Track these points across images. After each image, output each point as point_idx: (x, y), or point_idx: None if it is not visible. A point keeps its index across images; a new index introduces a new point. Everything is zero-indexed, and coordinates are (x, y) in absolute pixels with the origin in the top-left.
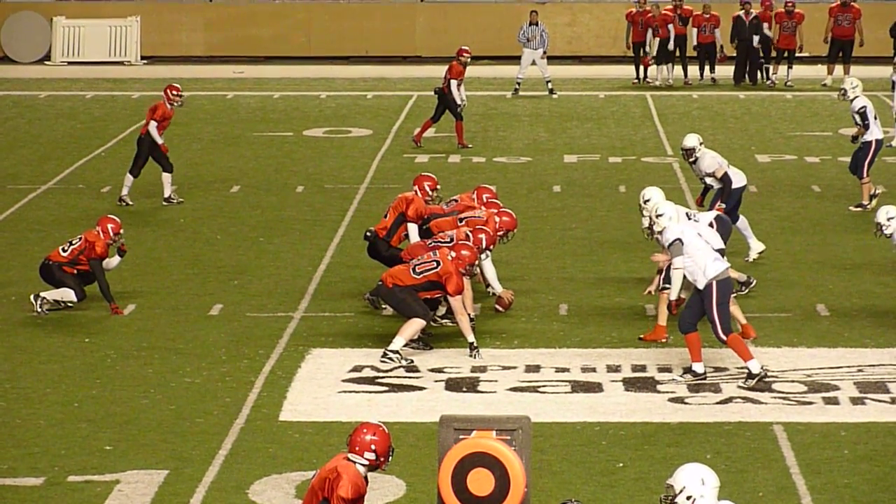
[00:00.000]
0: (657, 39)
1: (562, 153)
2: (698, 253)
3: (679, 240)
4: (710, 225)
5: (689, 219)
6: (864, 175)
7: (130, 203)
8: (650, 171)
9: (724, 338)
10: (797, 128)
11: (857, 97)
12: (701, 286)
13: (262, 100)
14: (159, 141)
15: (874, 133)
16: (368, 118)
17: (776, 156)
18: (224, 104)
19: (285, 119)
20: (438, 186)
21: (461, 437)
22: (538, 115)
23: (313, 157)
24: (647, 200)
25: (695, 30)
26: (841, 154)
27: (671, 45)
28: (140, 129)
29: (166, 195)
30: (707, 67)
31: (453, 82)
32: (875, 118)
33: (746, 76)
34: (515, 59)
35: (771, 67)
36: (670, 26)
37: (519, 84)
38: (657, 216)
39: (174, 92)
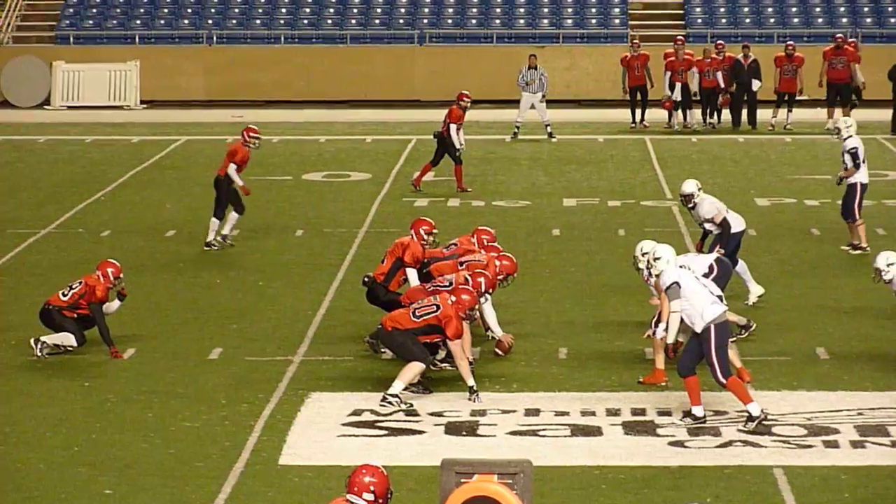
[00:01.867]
0: (678, 84)
1: (561, 197)
2: (696, 296)
3: (676, 283)
4: (710, 268)
5: (682, 268)
6: (857, 217)
7: (216, 245)
8: (649, 215)
9: (723, 381)
10: (797, 171)
11: (850, 136)
12: (699, 330)
13: (261, 144)
14: (240, 183)
15: (860, 176)
16: (368, 162)
17: (776, 199)
18: (223, 148)
19: (284, 163)
20: (435, 231)
21: (463, 480)
22: (537, 159)
23: (313, 201)
24: (645, 253)
25: (697, 74)
26: (841, 197)
27: (694, 88)
28: (218, 171)
29: (225, 232)
30: (709, 112)
31: (453, 126)
32: (864, 161)
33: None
34: (514, 103)
35: (771, 111)
36: (694, 70)
37: (518, 128)
38: (655, 259)
39: (251, 134)
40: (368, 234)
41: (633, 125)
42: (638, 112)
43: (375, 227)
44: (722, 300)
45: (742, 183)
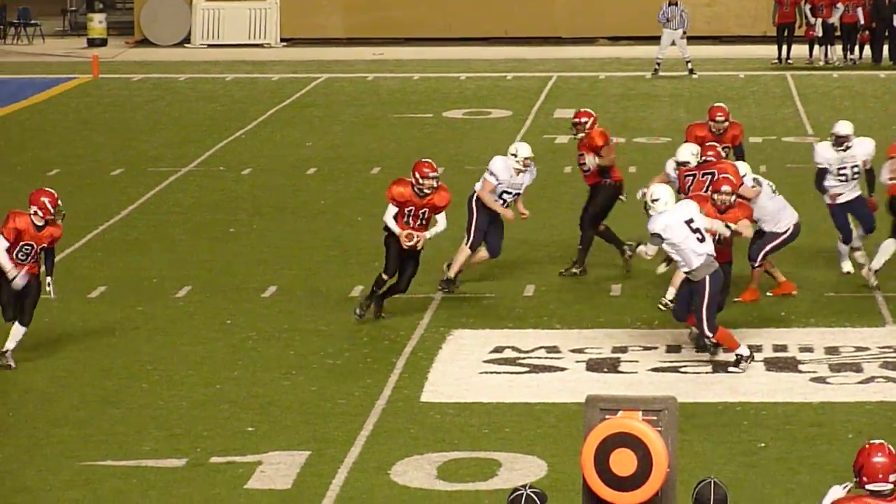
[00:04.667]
0: (819, 20)
1: None
2: (686, 243)
3: (659, 235)
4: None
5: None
6: None
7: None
8: (790, 151)
9: (709, 335)
10: None
11: None
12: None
13: (401, 81)
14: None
15: None
16: (508, 99)
17: None
18: (364, 86)
19: (425, 101)
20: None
21: (607, 416)
22: (678, 96)
23: (454, 138)
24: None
25: (840, 8)
26: None
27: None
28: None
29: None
30: (849, 48)
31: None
32: None
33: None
34: (655, 40)
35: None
36: (838, 5)
37: (659, 64)
38: (652, 200)
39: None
40: None
41: (778, 61)
42: (784, 49)
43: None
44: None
45: (883, 119)
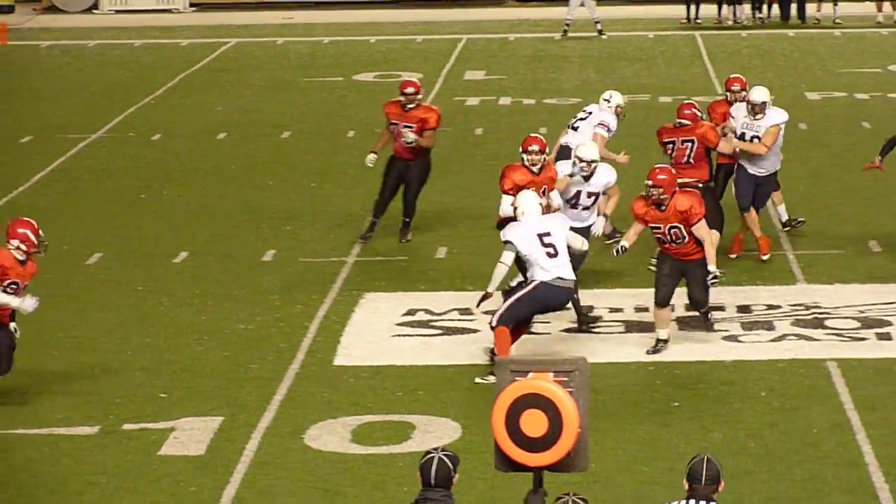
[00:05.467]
0: None
1: None
2: (532, 255)
3: (510, 242)
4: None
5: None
6: None
7: None
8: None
9: (493, 324)
10: (846, 65)
11: None
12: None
13: (311, 45)
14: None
15: None
16: (418, 62)
17: (826, 93)
18: (274, 50)
19: (335, 64)
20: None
21: (517, 378)
22: (588, 57)
23: (364, 101)
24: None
25: None
26: (891, 90)
27: None
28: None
29: None
30: (758, 6)
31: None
32: None
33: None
34: (564, 1)
35: (816, 5)
36: None
37: (568, 25)
38: (520, 210)
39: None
40: None
41: (687, 21)
42: (693, 9)
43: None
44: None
45: (793, 77)
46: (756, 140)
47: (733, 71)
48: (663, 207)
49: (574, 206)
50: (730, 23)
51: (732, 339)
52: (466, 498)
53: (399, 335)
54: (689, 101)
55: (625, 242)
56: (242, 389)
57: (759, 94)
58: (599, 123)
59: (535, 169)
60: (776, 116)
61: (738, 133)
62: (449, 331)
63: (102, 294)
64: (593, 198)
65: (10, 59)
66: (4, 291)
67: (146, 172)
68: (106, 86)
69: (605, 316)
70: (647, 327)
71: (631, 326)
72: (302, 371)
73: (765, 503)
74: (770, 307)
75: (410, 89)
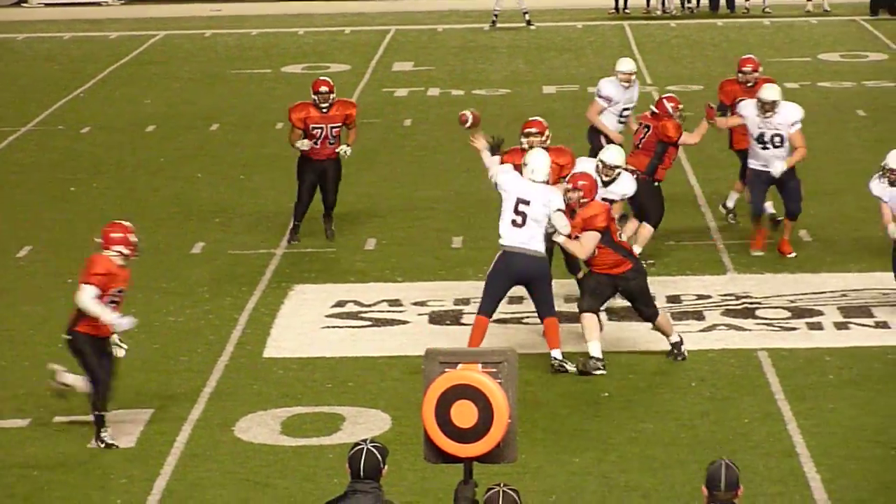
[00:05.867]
0: None
1: (541, 84)
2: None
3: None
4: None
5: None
6: None
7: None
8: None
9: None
10: (776, 54)
11: None
12: None
13: (239, 37)
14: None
15: None
16: (347, 53)
17: None
18: (202, 43)
19: (264, 56)
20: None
21: (446, 370)
22: (516, 47)
23: (293, 93)
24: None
25: None
26: (819, 80)
27: None
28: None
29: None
30: None
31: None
32: None
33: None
34: None
35: None
36: None
37: (496, 16)
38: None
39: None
40: None
41: (615, 11)
42: None
43: (359, 118)
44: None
45: (722, 67)
46: (779, 139)
47: (662, 61)
48: (574, 214)
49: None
50: (658, 13)
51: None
52: (397, 489)
53: (328, 327)
54: (672, 96)
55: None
56: (172, 382)
57: (772, 92)
58: (599, 94)
59: None
60: (795, 113)
61: (756, 134)
62: (378, 322)
63: (32, 287)
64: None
65: None
66: (112, 301)
67: (76, 165)
68: (35, 79)
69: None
70: (578, 318)
71: (561, 318)
72: (231, 363)
73: (696, 493)
74: (700, 297)
75: (325, 88)
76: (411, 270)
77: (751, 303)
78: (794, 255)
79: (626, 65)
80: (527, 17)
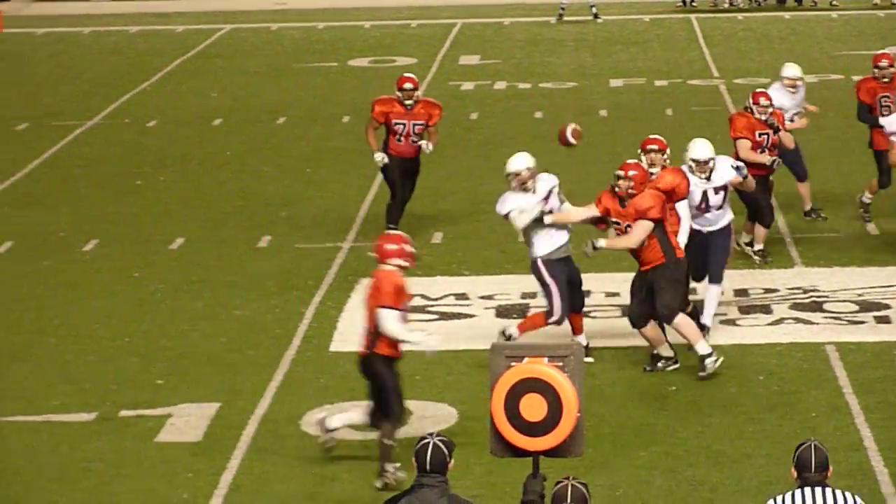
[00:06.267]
0: None
1: (607, 77)
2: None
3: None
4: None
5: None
6: None
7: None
8: (696, 94)
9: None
10: (843, 47)
11: None
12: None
13: (306, 31)
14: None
15: None
16: (413, 47)
17: (823, 75)
18: (268, 36)
19: (330, 50)
20: None
21: (512, 364)
22: (583, 40)
23: (359, 86)
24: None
25: None
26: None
27: None
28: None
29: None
30: None
31: None
32: None
33: None
34: None
35: None
36: None
37: (563, 9)
38: None
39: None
40: None
41: (683, 4)
42: None
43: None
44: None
45: (789, 60)
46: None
47: (729, 54)
48: (625, 204)
49: (706, 210)
50: (726, 5)
51: (730, 322)
52: (463, 483)
53: None
54: (764, 91)
55: (601, 242)
56: (239, 376)
57: (796, 69)
58: None
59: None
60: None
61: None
62: (445, 316)
63: (99, 281)
64: (721, 194)
65: (6, 46)
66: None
67: (142, 159)
68: (101, 73)
69: (601, 300)
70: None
71: (627, 311)
72: (298, 357)
73: (764, 487)
74: (767, 291)
75: (409, 85)
76: (477, 264)
77: (818, 296)
78: None
79: (791, 70)
80: (594, 10)
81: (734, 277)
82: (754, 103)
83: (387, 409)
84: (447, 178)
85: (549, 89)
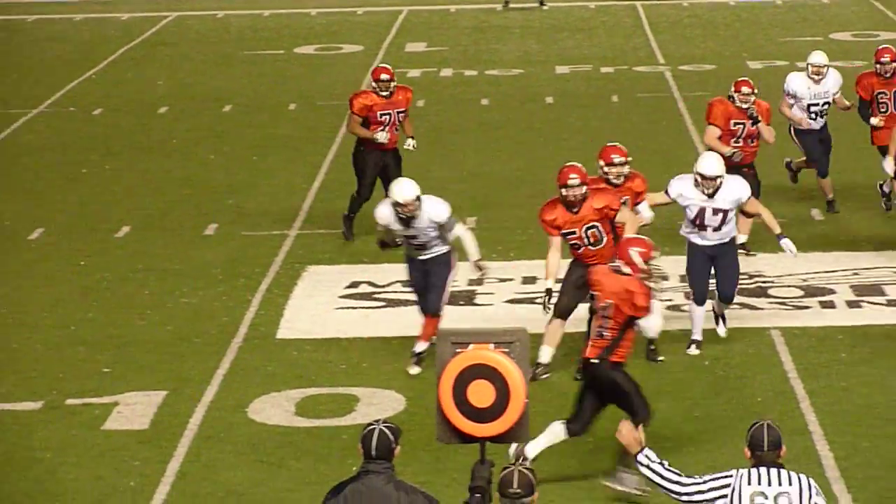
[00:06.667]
0: None
1: (553, 64)
2: None
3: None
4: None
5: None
6: None
7: None
8: (642, 81)
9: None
10: (787, 33)
11: None
12: None
13: (251, 18)
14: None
15: None
16: (359, 34)
17: (768, 62)
18: (214, 24)
19: (276, 37)
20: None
21: (458, 350)
22: (529, 28)
23: (305, 74)
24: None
25: None
26: (831, 60)
27: None
28: None
29: None
30: None
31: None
32: None
33: None
34: None
35: None
36: None
37: None
38: None
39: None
40: None
41: None
42: None
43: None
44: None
45: (734, 47)
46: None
47: (674, 41)
48: (576, 209)
49: (702, 228)
50: None
51: (676, 308)
52: (411, 469)
53: (342, 308)
54: (746, 80)
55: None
56: (186, 364)
57: (821, 56)
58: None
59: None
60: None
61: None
62: (392, 303)
63: (44, 269)
64: (720, 216)
65: None
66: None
67: (87, 147)
68: (46, 61)
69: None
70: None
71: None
72: (245, 345)
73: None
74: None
75: (386, 76)
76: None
77: (763, 282)
78: None
79: (816, 57)
80: None
81: (679, 263)
82: (736, 91)
83: (634, 412)
84: None
85: (495, 76)
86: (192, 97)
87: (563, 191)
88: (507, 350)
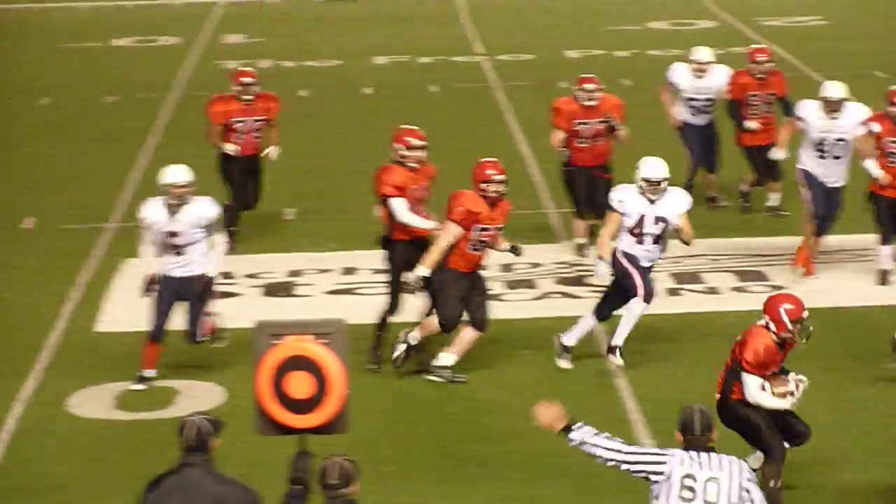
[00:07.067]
0: None
1: (371, 55)
2: None
3: None
4: None
5: None
6: None
7: None
8: (460, 71)
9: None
10: (605, 22)
11: None
12: None
13: (69, 11)
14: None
15: None
16: (177, 26)
17: (586, 51)
18: (31, 16)
19: (93, 30)
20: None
21: (276, 342)
22: (346, 19)
23: (123, 66)
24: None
25: None
26: (649, 48)
27: None
28: None
29: None
30: None
31: None
32: None
33: None
34: None
35: None
36: None
37: None
38: None
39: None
40: (181, 98)
41: None
42: None
43: (190, 91)
44: None
45: (552, 36)
46: (843, 141)
47: (493, 31)
48: (495, 206)
49: (640, 240)
50: None
51: (495, 297)
52: (232, 462)
53: None
54: (590, 76)
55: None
56: (3, 358)
57: (837, 89)
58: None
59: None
60: (861, 113)
61: (818, 139)
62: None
63: None
64: (661, 224)
65: None
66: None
67: None
68: None
69: (367, 278)
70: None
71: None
72: (63, 338)
73: (531, 460)
74: (533, 265)
75: (248, 79)
76: (243, 242)
77: (583, 270)
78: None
79: (698, 53)
80: None
81: (499, 255)
82: (579, 88)
83: (767, 450)
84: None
85: (313, 67)
86: (8, 91)
87: (484, 185)
88: (326, 341)
